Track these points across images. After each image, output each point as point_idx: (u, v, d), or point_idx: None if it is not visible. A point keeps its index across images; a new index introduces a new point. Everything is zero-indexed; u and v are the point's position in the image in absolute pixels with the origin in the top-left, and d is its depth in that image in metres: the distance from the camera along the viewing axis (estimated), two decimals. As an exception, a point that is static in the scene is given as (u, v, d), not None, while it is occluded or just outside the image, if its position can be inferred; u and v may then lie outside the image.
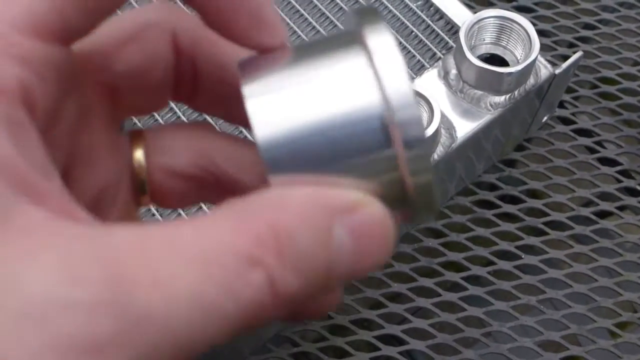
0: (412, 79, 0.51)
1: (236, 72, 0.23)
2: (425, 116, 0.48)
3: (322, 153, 0.20)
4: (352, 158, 0.20)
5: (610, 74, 0.61)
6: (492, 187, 0.56)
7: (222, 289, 0.18)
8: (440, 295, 0.52)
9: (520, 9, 0.64)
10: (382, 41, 0.20)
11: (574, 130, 0.59)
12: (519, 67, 0.48)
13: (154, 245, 0.18)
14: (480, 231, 0.54)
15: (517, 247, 0.54)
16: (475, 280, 0.53)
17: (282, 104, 0.20)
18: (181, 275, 0.17)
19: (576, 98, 0.60)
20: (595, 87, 0.61)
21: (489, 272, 0.53)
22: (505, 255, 0.54)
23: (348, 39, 0.21)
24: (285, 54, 0.22)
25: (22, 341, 0.16)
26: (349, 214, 0.20)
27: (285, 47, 0.23)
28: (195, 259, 0.18)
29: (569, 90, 0.60)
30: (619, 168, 0.57)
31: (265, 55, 0.22)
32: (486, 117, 0.49)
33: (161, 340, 0.17)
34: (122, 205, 0.25)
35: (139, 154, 0.25)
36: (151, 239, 0.18)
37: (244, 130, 0.43)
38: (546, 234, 0.54)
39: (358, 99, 0.20)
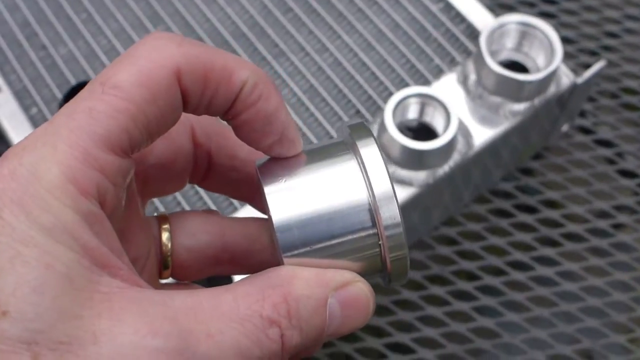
0: (429, 83, 0.51)
1: (252, 168, 0.29)
2: (442, 122, 0.47)
3: (324, 234, 0.26)
4: (346, 237, 0.26)
5: (633, 84, 0.60)
6: (508, 196, 0.55)
7: (253, 341, 0.25)
8: (451, 304, 0.51)
9: (544, 15, 0.62)
10: (369, 151, 0.27)
11: (593, 141, 0.58)
12: (540, 75, 0.47)
13: (205, 308, 0.25)
14: (495, 240, 0.53)
15: (531, 258, 0.53)
16: (488, 290, 0.52)
17: (294, 199, 0.26)
18: (226, 331, 0.24)
19: (597, 108, 0.59)
20: (617, 97, 0.60)
21: (502, 283, 0.52)
22: (519, 265, 0.53)
23: (344, 149, 0.27)
24: (295, 159, 0.28)
25: None
26: (340, 289, 0.26)
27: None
28: (235, 320, 0.25)
29: (590, 99, 0.59)
30: (638, 181, 0.56)
31: (280, 160, 0.28)
32: (504, 125, 0.49)
33: None
34: (147, 276, 0.30)
35: (165, 236, 0.31)
36: (202, 303, 0.25)
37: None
38: (562, 245, 0.53)
39: (353, 195, 0.26)
